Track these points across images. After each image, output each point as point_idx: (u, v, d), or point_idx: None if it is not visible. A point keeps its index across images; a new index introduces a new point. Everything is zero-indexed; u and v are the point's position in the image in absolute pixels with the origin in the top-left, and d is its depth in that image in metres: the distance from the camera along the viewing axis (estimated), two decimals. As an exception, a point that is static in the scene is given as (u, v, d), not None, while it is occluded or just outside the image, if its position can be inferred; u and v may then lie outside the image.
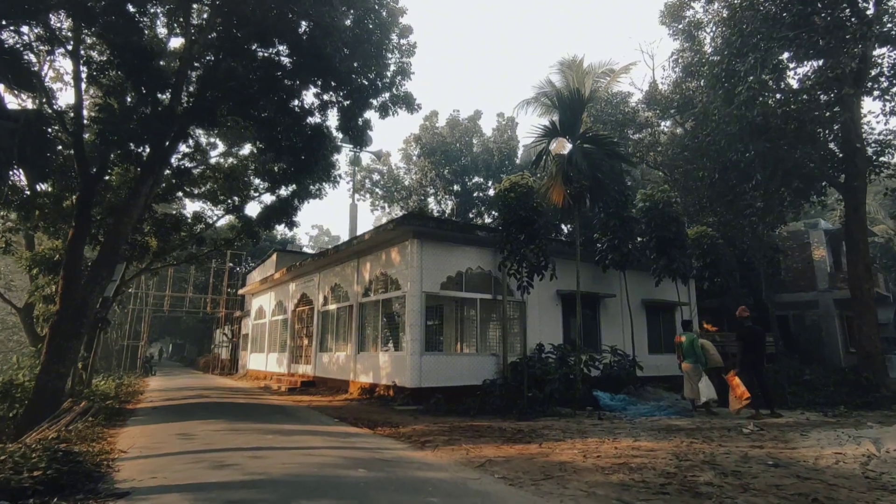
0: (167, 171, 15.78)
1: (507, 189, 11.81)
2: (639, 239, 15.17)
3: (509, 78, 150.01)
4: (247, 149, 20.29)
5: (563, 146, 13.10)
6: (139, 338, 33.37)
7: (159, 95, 13.05)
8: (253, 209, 22.07)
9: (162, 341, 62.26)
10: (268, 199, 20.21)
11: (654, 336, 17.19)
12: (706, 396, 9.93)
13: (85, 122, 13.12)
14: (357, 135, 15.75)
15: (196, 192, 20.31)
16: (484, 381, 12.50)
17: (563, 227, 24.93)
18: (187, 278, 34.97)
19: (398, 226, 12.08)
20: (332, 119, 15.99)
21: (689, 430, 7.98)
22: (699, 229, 16.17)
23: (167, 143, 13.23)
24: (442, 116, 32.51)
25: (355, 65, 13.05)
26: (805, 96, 12.71)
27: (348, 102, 13.97)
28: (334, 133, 15.67)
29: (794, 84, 14.23)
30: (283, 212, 19.70)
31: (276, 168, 17.13)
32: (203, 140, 22.17)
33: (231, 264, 35.30)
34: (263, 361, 22.64)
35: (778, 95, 13.25)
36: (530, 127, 13.03)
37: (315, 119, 14.85)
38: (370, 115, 15.38)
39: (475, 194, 32.00)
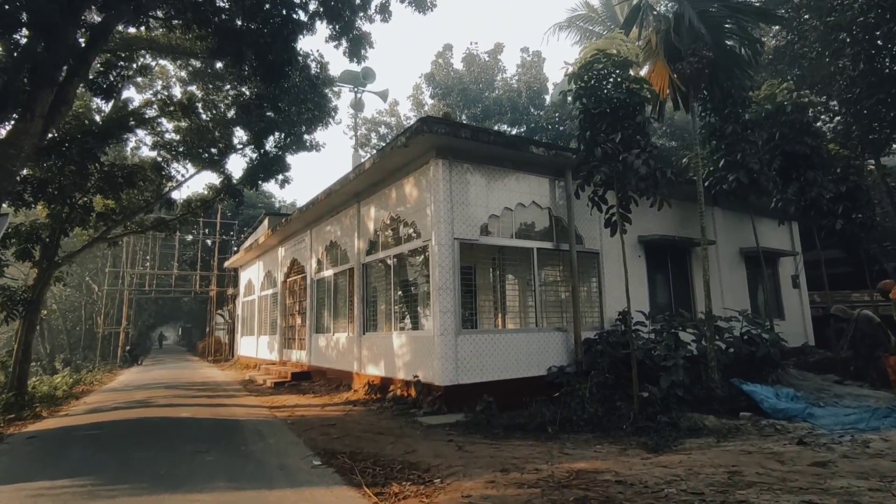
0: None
1: (589, 63, 7.18)
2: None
3: (534, 9, 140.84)
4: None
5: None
6: (129, 322, 29.79)
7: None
8: (237, 168, 18.15)
9: (170, 326, 59.18)
10: (254, 155, 16.23)
11: (754, 296, 12.96)
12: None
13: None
14: (353, 46, 11.72)
15: (161, 140, 16.20)
16: (549, 368, 8.40)
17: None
18: (174, 254, 31.07)
19: (413, 137, 7.72)
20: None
21: None
22: (830, 147, 11.62)
23: (79, 44, 9.27)
24: (458, 54, 27.70)
25: None
26: None
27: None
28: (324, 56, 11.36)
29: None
30: (272, 164, 15.71)
31: (245, 91, 12.85)
32: (178, 91, 18.09)
33: (225, 237, 31.38)
34: (254, 346, 18.67)
35: None
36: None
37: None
38: (371, 28, 11.38)
39: (498, 144, 27.37)
